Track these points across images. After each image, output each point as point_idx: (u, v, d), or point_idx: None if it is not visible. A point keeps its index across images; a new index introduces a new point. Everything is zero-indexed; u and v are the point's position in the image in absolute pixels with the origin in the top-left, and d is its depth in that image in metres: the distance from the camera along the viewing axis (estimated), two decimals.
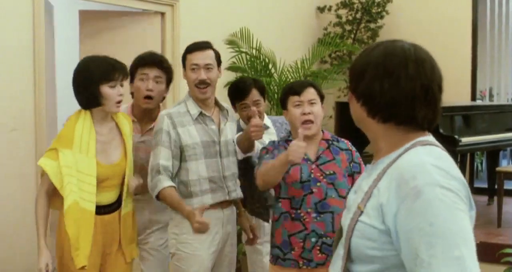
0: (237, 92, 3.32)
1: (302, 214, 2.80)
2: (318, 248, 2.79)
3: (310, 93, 2.86)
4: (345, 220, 1.48)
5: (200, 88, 2.96)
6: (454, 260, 1.23)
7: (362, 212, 1.40)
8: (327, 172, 2.82)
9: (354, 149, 2.94)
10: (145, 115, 3.18)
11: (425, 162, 1.33)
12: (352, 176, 2.87)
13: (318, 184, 2.80)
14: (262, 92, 3.35)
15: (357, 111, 1.50)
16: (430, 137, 1.46)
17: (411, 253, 1.28)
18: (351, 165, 2.89)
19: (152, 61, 3.13)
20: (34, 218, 3.86)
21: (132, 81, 3.11)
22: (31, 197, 3.87)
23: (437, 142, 1.45)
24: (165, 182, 2.88)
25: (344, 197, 2.81)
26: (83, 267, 2.63)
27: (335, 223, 2.78)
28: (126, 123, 2.89)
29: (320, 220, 2.78)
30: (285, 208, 2.84)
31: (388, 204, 1.34)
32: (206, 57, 2.98)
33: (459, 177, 1.34)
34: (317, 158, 2.84)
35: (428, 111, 1.42)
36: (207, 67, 2.96)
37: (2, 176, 3.72)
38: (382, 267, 1.38)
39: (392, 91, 1.40)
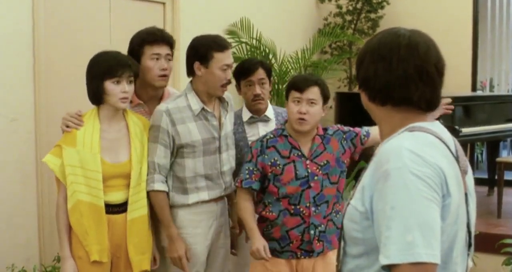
0: (243, 69, 3.30)
1: (301, 209, 2.81)
2: (316, 238, 2.83)
3: (313, 93, 2.80)
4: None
5: (224, 88, 2.91)
6: (405, 244, 1.26)
7: (353, 195, 1.47)
8: (321, 164, 2.84)
9: (341, 126, 2.99)
10: (153, 96, 3.04)
11: (401, 147, 1.36)
12: (352, 145, 2.91)
13: (316, 178, 2.81)
14: (269, 73, 3.32)
15: (363, 98, 1.56)
16: (426, 123, 1.47)
17: (378, 234, 1.33)
18: (344, 137, 2.91)
19: (162, 39, 2.98)
20: (33, 207, 3.85)
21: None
22: (31, 186, 3.87)
23: (432, 129, 1.46)
24: (159, 184, 2.82)
25: (336, 183, 2.86)
26: (96, 262, 2.61)
27: (328, 210, 2.84)
28: (139, 124, 2.83)
29: (318, 212, 2.81)
30: (284, 206, 2.84)
31: (367, 187, 1.40)
32: (230, 56, 2.93)
33: (437, 165, 1.35)
34: (311, 153, 2.85)
35: (424, 91, 1.45)
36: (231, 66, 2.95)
37: (2, 165, 3.72)
38: (367, 249, 1.42)
39: (386, 74, 1.46)
